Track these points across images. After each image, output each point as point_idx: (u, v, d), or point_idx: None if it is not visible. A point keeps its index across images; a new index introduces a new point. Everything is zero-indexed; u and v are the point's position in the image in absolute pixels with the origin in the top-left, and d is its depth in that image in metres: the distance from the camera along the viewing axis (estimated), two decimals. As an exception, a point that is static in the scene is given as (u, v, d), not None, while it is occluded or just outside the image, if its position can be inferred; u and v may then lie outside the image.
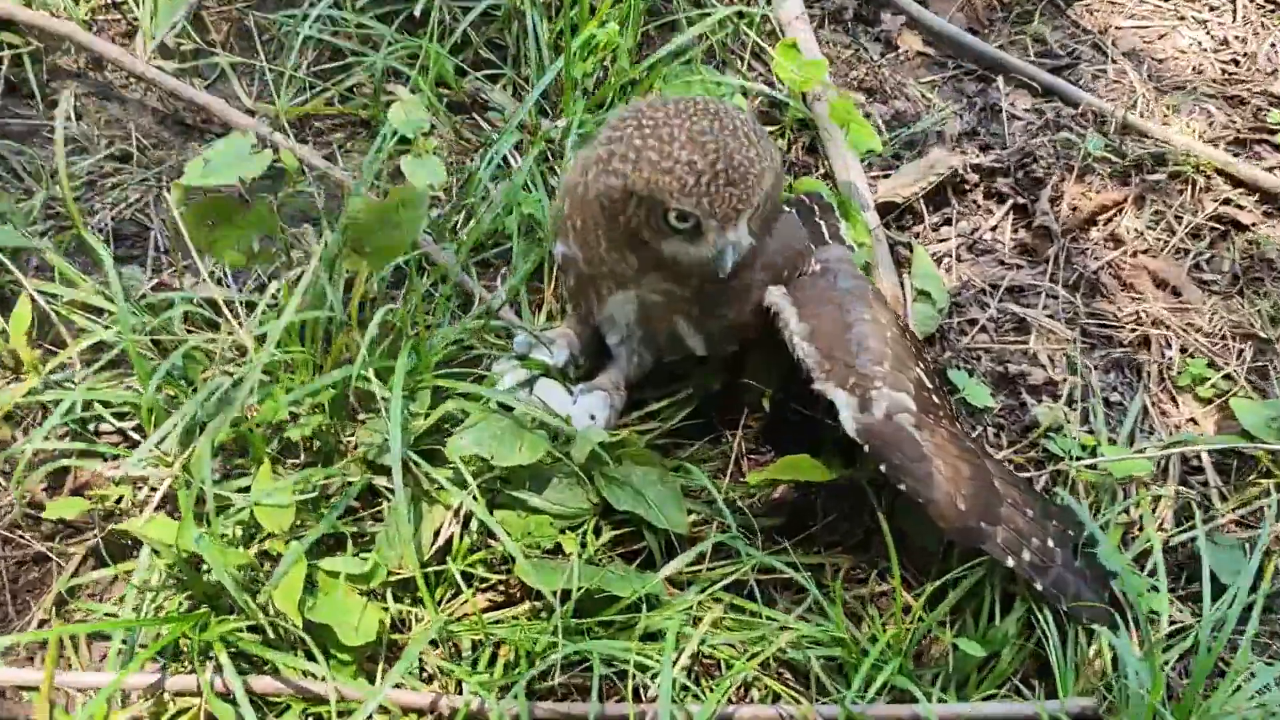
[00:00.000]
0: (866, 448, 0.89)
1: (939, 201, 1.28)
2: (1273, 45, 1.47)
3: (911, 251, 1.21)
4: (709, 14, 1.23)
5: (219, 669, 0.82)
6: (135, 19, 1.29)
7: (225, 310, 0.95)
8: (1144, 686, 0.87)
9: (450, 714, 0.84)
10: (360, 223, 0.93)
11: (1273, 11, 1.53)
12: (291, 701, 0.83)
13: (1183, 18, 1.51)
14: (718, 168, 0.88)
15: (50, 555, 0.94)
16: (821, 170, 1.26)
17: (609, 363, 1.05)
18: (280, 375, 0.95)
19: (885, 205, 1.25)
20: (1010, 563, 0.89)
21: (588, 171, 0.93)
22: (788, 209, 1.08)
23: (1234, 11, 1.52)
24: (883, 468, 0.88)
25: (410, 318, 0.95)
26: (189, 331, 0.98)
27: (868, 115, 1.33)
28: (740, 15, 1.28)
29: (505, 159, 1.17)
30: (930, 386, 0.96)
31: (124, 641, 0.84)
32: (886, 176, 1.27)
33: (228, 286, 1.05)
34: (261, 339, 0.91)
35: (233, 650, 0.83)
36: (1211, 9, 1.52)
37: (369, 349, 0.90)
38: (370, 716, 0.80)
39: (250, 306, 1.01)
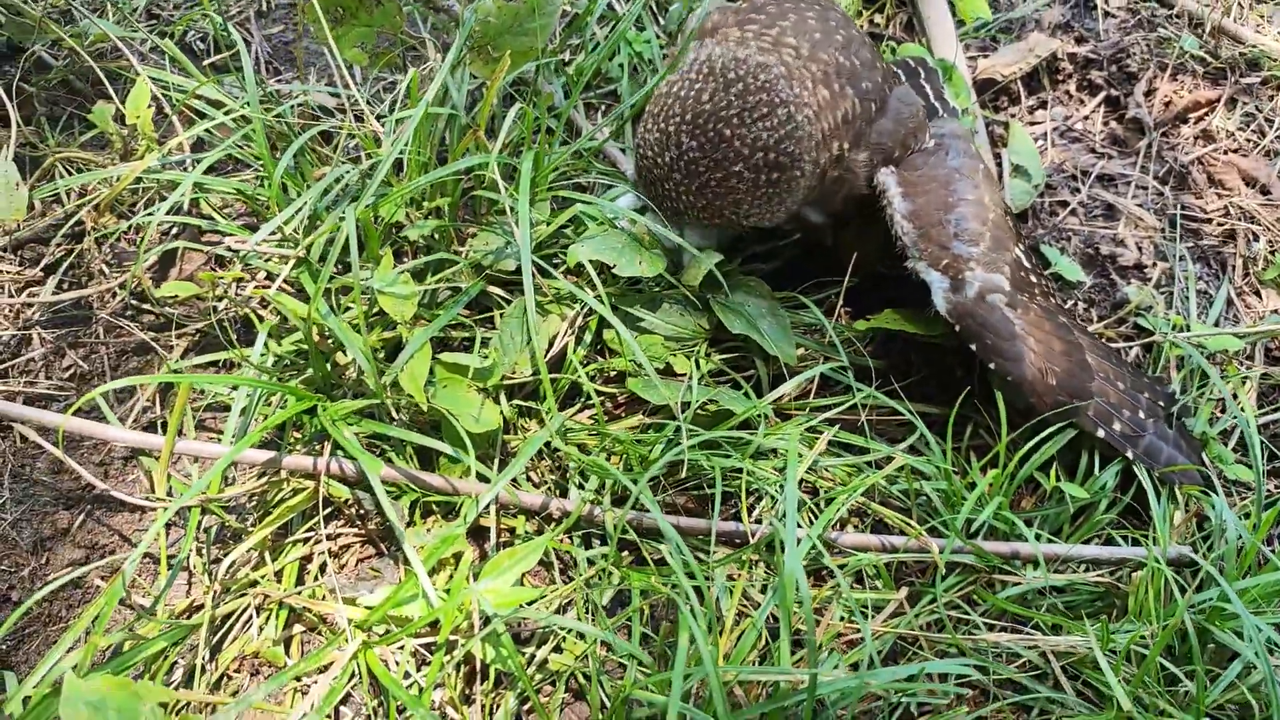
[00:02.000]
0: (958, 327, 0.89)
1: (1034, 86, 1.27)
2: (1365, -35, 1.47)
3: (1007, 129, 1.21)
4: None
5: (336, 452, 0.82)
6: None
7: (346, 107, 0.94)
8: (1242, 539, 0.89)
9: (561, 516, 0.84)
10: (490, 26, 0.91)
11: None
12: (409, 489, 0.83)
13: (1277, -68, 1.50)
14: (665, 158, 0.85)
15: (152, 345, 0.93)
16: (924, 38, 1.25)
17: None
18: (392, 179, 0.94)
19: (983, 83, 1.24)
20: (1101, 433, 0.90)
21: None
22: (902, 80, 1.07)
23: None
24: (973, 346, 0.88)
25: (543, 136, 0.93)
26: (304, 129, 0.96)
27: (967, -4, 1.32)
28: None
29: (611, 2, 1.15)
30: (1028, 266, 0.96)
31: (242, 413, 0.83)
32: (986, 55, 1.27)
33: (342, 87, 1.03)
34: (388, 134, 0.90)
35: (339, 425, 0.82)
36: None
37: (498, 147, 0.88)
38: (492, 512, 0.81)
39: (359, 118, 0.99)
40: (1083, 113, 1.27)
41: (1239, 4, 1.38)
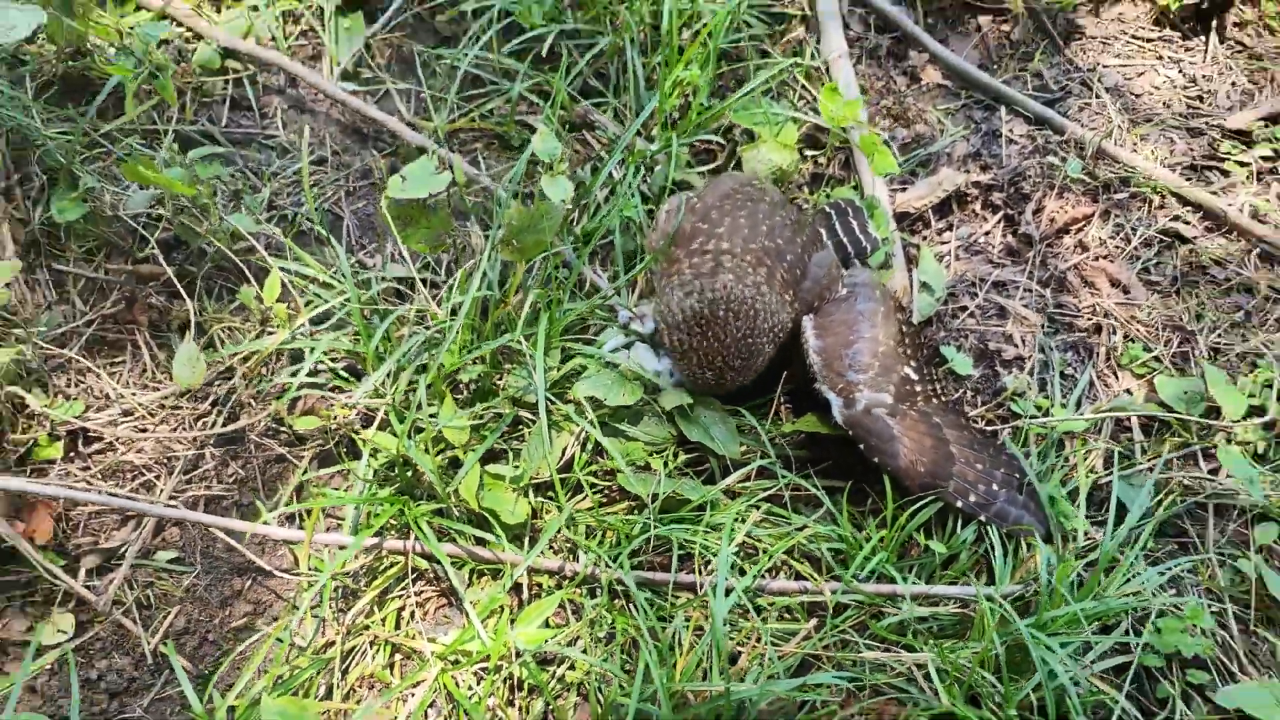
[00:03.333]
0: (850, 432, 1.24)
1: (944, 210, 1.61)
2: (1233, 84, 1.77)
3: (919, 251, 1.55)
4: (773, 62, 1.56)
5: (418, 538, 1.20)
6: (320, 43, 1.64)
7: (418, 285, 1.32)
8: (1052, 573, 1.23)
9: (573, 576, 1.21)
10: (513, 227, 1.28)
11: (1240, 53, 1.82)
12: (468, 561, 1.20)
13: (1160, 57, 1.80)
14: (705, 375, 1.24)
15: (288, 457, 1.32)
16: (853, 183, 1.59)
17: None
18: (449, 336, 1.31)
19: (901, 214, 1.58)
20: (959, 504, 1.25)
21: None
22: (823, 241, 1.42)
23: (1205, 52, 1.81)
24: (861, 446, 1.23)
25: (547, 296, 1.30)
26: (386, 301, 1.34)
27: (892, 138, 1.65)
28: (795, 65, 1.60)
29: (609, 172, 1.51)
30: (915, 378, 1.30)
31: (355, 508, 1.22)
32: (904, 189, 1.60)
33: (407, 264, 1.41)
34: (451, 310, 1.28)
35: (424, 522, 1.20)
36: (1186, 49, 1.82)
37: (523, 321, 1.25)
38: (523, 574, 1.18)
39: (426, 283, 1.37)
40: (984, 229, 1.61)
41: (1119, 127, 1.69)
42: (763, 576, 1.22)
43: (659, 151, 1.48)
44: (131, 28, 1.48)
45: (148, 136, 1.48)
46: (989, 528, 1.26)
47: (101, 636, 1.19)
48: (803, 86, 1.62)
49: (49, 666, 1.17)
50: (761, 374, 1.31)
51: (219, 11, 1.61)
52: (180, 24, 1.55)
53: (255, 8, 1.60)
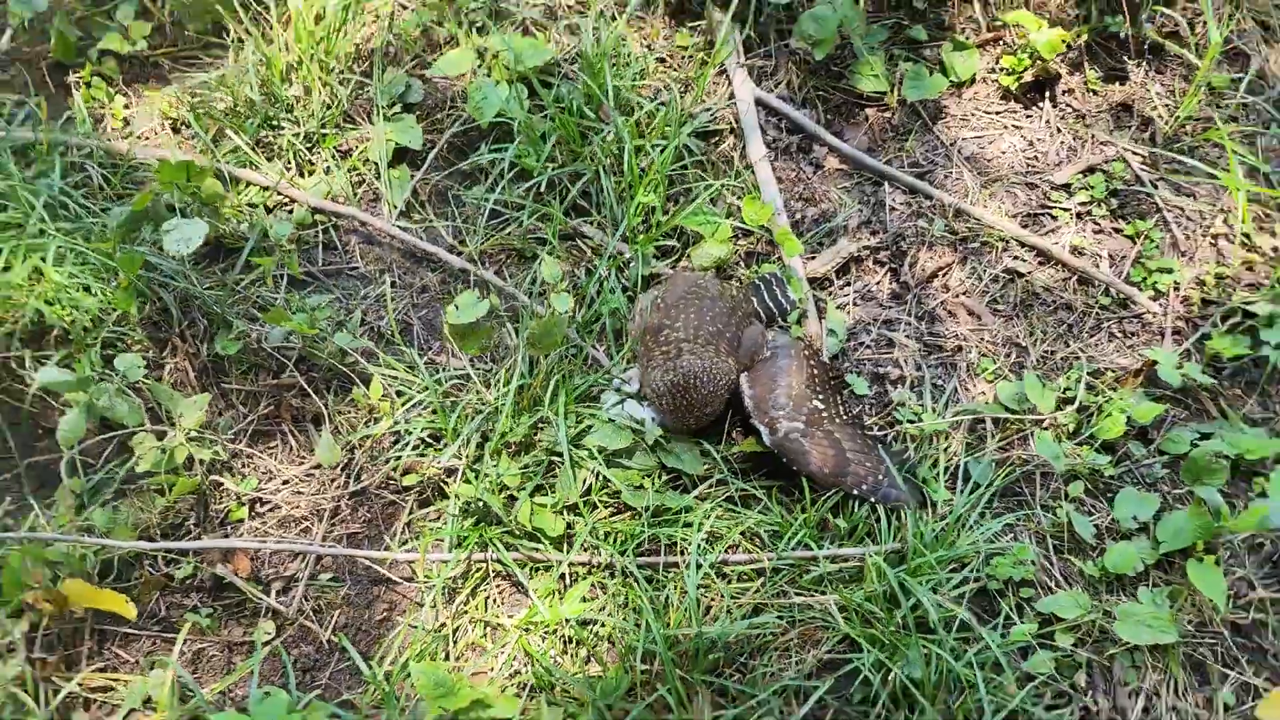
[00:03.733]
0: (775, 450, 1.81)
1: (844, 270, 2.16)
2: (1061, 143, 2.31)
3: (826, 305, 2.11)
4: (709, 183, 2.13)
5: (493, 550, 1.79)
6: (378, 190, 2.21)
7: (473, 376, 1.90)
8: (918, 531, 1.80)
9: (597, 566, 1.80)
10: (534, 333, 1.86)
11: (1069, 115, 2.35)
12: (528, 563, 1.79)
13: (1006, 127, 2.34)
14: (685, 423, 1.82)
15: (398, 503, 1.91)
16: (775, 257, 2.16)
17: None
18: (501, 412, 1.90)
19: (811, 278, 2.14)
20: (855, 492, 1.81)
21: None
22: (753, 317, 1.99)
23: (1041, 118, 2.35)
24: (784, 458, 1.81)
25: (562, 377, 1.88)
26: (453, 388, 1.93)
27: (802, 218, 2.21)
28: (724, 185, 2.16)
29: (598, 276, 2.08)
30: (821, 406, 1.87)
31: (450, 536, 1.81)
32: (813, 258, 2.16)
33: (464, 362, 1.99)
34: (502, 388, 1.87)
35: (498, 540, 1.79)
36: (1027, 117, 2.35)
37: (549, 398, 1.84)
38: (565, 567, 1.77)
39: (479, 374, 1.95)
40: (875, 280, 2.16)
41: (973, 189, 2.24)
42: (724, 554, 1.81)
43: (632, 255, 2.05)
44: (250, 204, 2.07)
45: (271, 280, 2.07)
46: (876, 506, 1.84)
47: (292, 634, 1.80)
48: (734, 194, 2.18)
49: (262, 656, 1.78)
50: (717, 416, 1.89)
51: (304, 177, 2.19)
52: (280, 193, 2.13)
53: (329, 170, 2.18)
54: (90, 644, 1.76)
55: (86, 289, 1.96)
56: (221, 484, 1.86)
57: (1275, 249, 2.14)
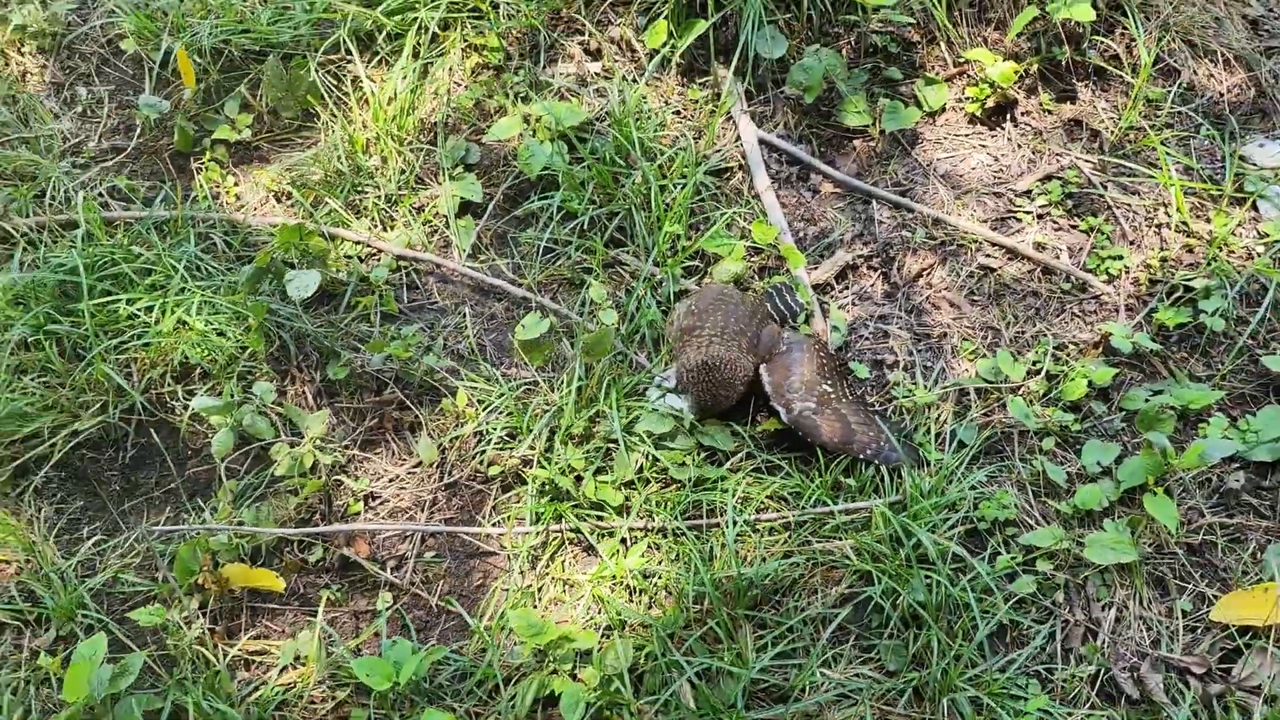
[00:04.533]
0: (793, 426, 2.14)
1: (842, 277, 2.51)
2: (1022, 157, 2.65)
3: (829, 307, 2.46)
4: (724, 210, 2.49)
5: (567, 522, 2.14)
6: (449, 236, 2.60)
7: (540, 382, 2.27)
8: (915, 485, 2.13)
9: (653, 529, 2.14)
10: (588, 343, 2.23)
11: (1027, 133, 2.70)
12: (597, 529, 2.14)
13: (974, 147, 2.69)
14: (702, 399, 2.15)
15: (485, 490, 2.27)
16: (784, 269, 2.51)
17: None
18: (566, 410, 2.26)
19: (815, 284, 2.49)
20: (861, 456, 2.14)
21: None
22: (771, 319, 2.34)
23: (1005, 138, 2.70)
24: (799, 432, 2.15)
25: (613, 378, 2.24)
26: (524, 393, 2.30)
27: (805, 235, 2.57)
28: (740, 210, 2.53)
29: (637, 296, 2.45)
30: (829, 389, 2.21)
31: (531, 512, 2.17)
32: (815, 268, 2.51)
33: (531, 371, 2.36)
34: (561, 397, 2.23)
35: (570, 513, 2.15)
36: (992, 137, 2.70)
37: (603, 395, 2.20)
38: (626, 532, 2.12)
39: (545, 380, 2.32)
40: (869, 284, 2.51)
41: (946, 201, 2.59)
42: (755, 513, 2.15)
43: (664, 276, 2.42)
44: (346, 255, 2.47)
45: (365, 317, 2.46)
46: (880, 467, 2.17)
47: (407, 602, 2.16)
48: (745, 220, 2.55)
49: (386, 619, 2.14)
50: (742, 401, 2.24)
51: (388, 231, 2.59)
52: (370, 245, 2.53)
53: (407, 224, 2.58)
54: (245, 618, 2.13)
55: (221, 333, 2.36)
56: (342, 483, 2.24)
57: (1210, 233, 2.46)
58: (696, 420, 2.20)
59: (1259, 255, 2.42)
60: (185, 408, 2.29)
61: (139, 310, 2.35)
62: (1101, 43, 2.72)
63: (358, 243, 2.53)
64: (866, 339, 2.42)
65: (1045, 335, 2.37)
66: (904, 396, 2.30)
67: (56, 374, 2.31)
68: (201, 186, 2.65)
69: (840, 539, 2.07)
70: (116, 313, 2.35)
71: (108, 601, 2.12)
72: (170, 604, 2.05)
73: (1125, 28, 2.72)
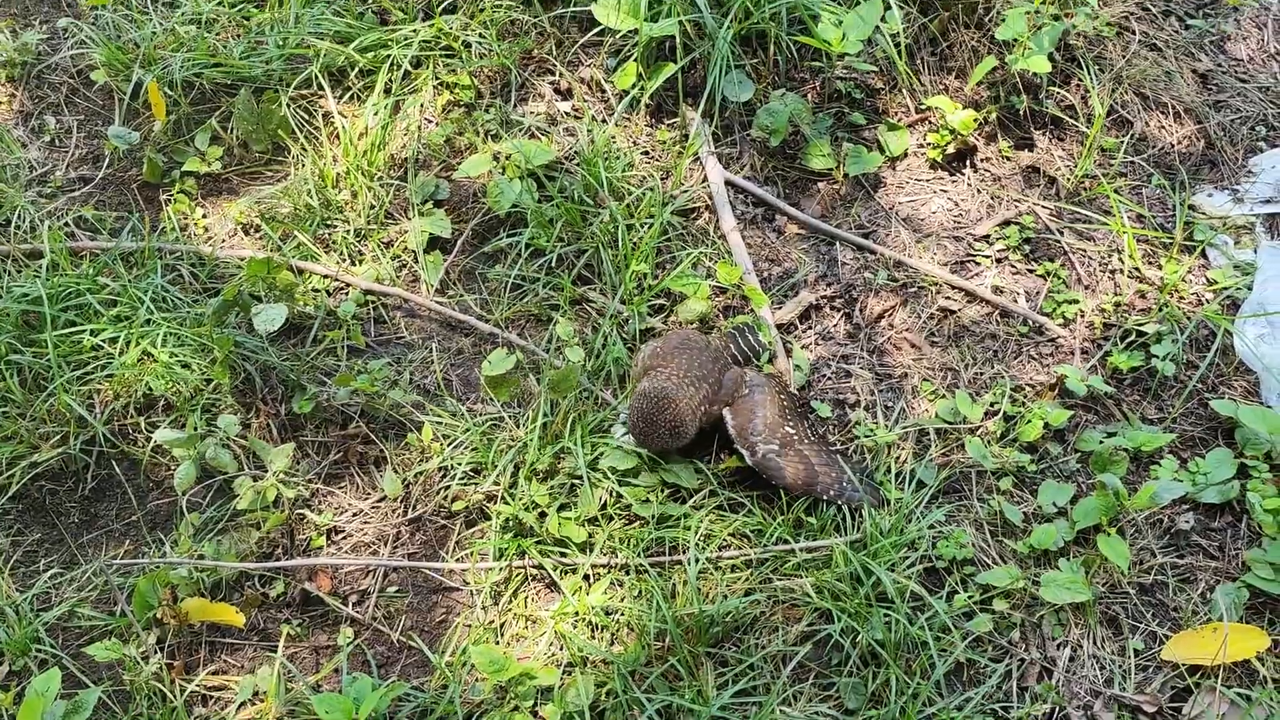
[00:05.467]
0: (756, 468, 2.16)
1: (806, 317, 2.55)
2: (981, 203, 2.71)
3: (792, 346, 2.49)
4: (689, 251, 2.53)
5: (530, 558, 2.14)
6: (417, 271, 2.61)
7: (506, 418, 2.28)
8: (875, 524, 2.15)
9: (616, 565, 2.15)
10: (554, 380, 2.24)
11: (986, 179, 2.77)
12: (560, 566, 2.14)
13: (935, 192, 2.75)
14: (640, 434, 2.16)
15: (448, 526, 2.26)
16: (749, 309, 2.55)
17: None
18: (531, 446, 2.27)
19: (779, 324, 2.52)
20: (824, 497, 2.16)
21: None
22: (733, 361, 2.36)
23: (964, 183, 2.76)
24: (764, 474, 2.16)
25: (578, 414, 2.25)
26: (490, 428, 2.30)
27: (769, 275, 2.60)
28: (706, 250, 2.56)
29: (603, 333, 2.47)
30: (792, 431, 2.23)
31: (494, 548, 2.17)
32: (779, 308, 2.55)
33: (497, 406, 2.37)
34: (527, 433, 2.24)
35: (533, 549, 2.15)
36: (952, 183, 2.76)
37: (568, 432, 2.21)
38: (589, 568, 2.12)
39: (511, 416, 2.33)
40: (832, 324, 2.54)
41: (907, 244, 2.64)
42: (718, 550, 2.16)
43: (630, 314, 2.44)
44: (314, 289, 2.47)
45: (331, 351, 2.46)
46: (842, 506, 2.19)
47: (369, 637, 2.14)
48: (711, 260, 2.58)
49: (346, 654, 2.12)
50: (704, 437, 2.26)
51: (356, 265, 2.59)
52: (338, 280, 2.54)
53: (376, 258, 2.59)
54: (204, 653, 2.11)
55: (186, 365, 2.34)
56: (304, 517, 2.23)
57: (1161, 280, 2.53)
58: (658, 456, 2.21)
59: (1208, 302, 2.48)
60: (148, 440, 2.27)
61: (103, 341, 2.33)
62: (1058, 93, 2.80)
63: (326, 276, 2.54)
64: (829, 378, 2.45)
65: (1003, 377, 2.41)
66: (865, 436, 2.32)
67: (17, 404, 2.28)
68: (170, 218, 2.64)
69: (801, 577, 2.09)
70: (80, 343, 2.33)
71: (63, 636, 2.09)
72: (127, 639, 2.03)
73: (1080, 79, 2.80)
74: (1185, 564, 2.13)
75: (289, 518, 2.21)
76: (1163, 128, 2.82)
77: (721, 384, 2.25)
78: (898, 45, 2.73)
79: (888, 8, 2.69)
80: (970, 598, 2.08)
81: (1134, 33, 2.93)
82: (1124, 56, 2.84)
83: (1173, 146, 2.80)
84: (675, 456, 2.24)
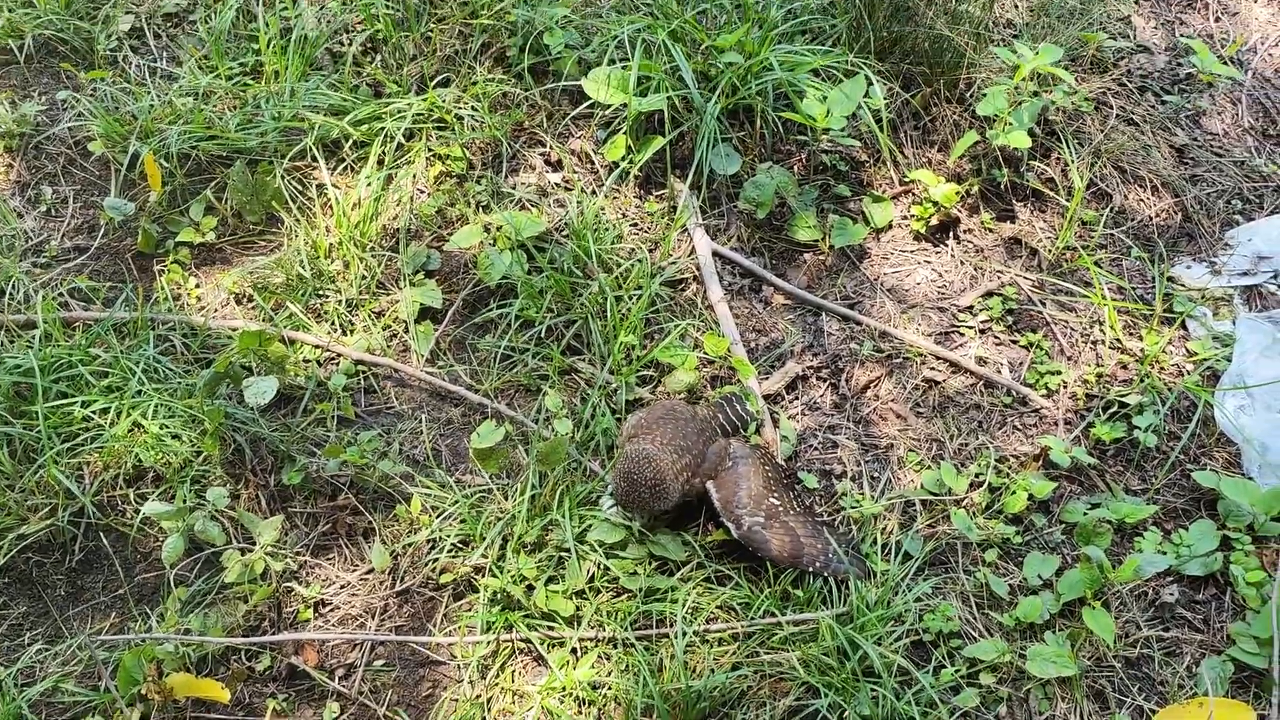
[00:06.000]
0: (741, 540, 2.17)
1: (792, 387, 2.58)
2: (964, 274, 2.76)
3: (779, 417, 2.52)
4: (677, 323, 2.56)
5: (518, 631, 2.14)
6: (408, 341, 2.64)
7: (494, 490, 2.29)
8: (861, 597, 2.16)
9: (603, 639, 2.14)
10: (542, 452, 2.26)
11: (969, 250, 2.82)
12: (547, 639, 2.14)
13: (919, 263, 2.79)
14: (623, 497, 2.18)
15: (436, 598, 2.26)
16: (736, 379, 2.57)
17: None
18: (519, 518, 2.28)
19: (766, 395, 2.55)
20: (810, 569, 2.17)
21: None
22: (718, 433, 2.38)
23: (948, 254, 2.81)
24: (749, 547, 2.17)
25: (567, 486, 2.26)
26: (478, 499, 2.31)
27: (756, 346, 2.63)
28: (693, 321, 2.60)
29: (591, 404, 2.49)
30: (777, 502, 2.25)
31: (482, 621, 2.16)
32: (766, 378, 2.58)
33: (485, 479, 2.38)
34: (515, 505, 2.25)
35: (521, 622, 2.15)
36: (936, 254, 2.81)
37: (556, 504, 2.22)
38: (577, 642, 2.12)
39: (499, 487, 2.34)
40: (818, 394, 2.57)
41: (892, 314, 2.68)
42: (705, 623, 2.16)
43: (618, 385, 2.47)
44: (305, 359, 2.49)
45: (321, 421, 2.47)
46: (828, 578, 2.20)
47: (355, 712, 2.13)
48: (698, 330, 2.61)
49: (332, 731, 2.11)
50: (690, 509, 2.27)
51: (348, 335, 2.62)
52: (329, 350, 2.56)
53: (367, 328, 2.61)
54: (188, 729, 2.10)
55: (176, 437, 2.36)
56: (292, 589, 2.23)
57: (1142, 351, 2.56)
58: (646, 529, 2.22)
59: (1188, 373, 2.52)
60: (136, 512, 2.28)
61: (94, 412, 2.34)
62: (1038, 167, 2.86)
63: (317, 347, 2.56)
64: (815, 449, 2.47)
65: (987, 448, 2.43)
66: (852, 507, 2.34)
67: (6, 476, 2.29)
68: (163, 288, 2.67)
69: (788, 650, 2.09)
70: (71, 414, 2.34)
71: (46, 712, 2.08)
72: (111, 715, 2.01)
73: (1060, 153, 2.86)
74: (1170, 637, 2.14)
75: (276, 590, 2.21)
76: (1141, 201, 2.88)
77: (705, 456, 2.27)
78: (880, 120, 2.79)
79: (871, 84, 2.76)
80: (957, 671, 2.08)
81: (1111, 108, 3.00)
82: (1102, 131, 2.91)
83: (1151, 219, 2.86)
84: (662, 529, 2.25)
